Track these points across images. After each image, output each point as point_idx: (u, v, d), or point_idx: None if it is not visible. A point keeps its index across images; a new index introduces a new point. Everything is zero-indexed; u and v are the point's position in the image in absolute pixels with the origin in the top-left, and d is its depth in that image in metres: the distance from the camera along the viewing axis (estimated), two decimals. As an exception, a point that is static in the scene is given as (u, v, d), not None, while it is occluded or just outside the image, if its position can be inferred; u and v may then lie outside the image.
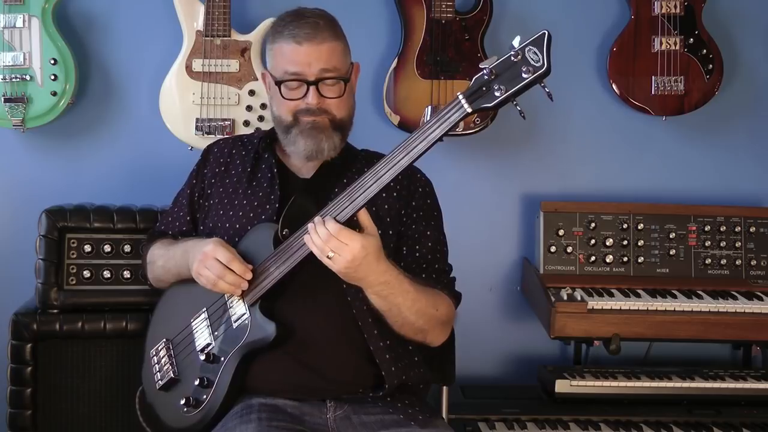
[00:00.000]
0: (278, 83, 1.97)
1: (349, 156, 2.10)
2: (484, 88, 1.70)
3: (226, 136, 2.37)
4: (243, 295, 1.91)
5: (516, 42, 1.69)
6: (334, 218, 1.77)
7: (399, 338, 1.96)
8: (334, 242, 1.74)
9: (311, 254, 1.80)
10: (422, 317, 1.92)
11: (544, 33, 1.68)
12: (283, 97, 1.97)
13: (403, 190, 2.07)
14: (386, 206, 2.03)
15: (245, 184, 2.08)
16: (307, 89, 1.95)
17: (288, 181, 2.06)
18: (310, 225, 1.78)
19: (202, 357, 1.93)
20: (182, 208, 2.18)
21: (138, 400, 2.11)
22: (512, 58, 1.69)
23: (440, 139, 1.76)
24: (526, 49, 1.69)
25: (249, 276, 1.88)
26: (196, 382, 1.92)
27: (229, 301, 1.94)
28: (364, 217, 1.79)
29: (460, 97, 1.72)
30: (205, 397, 1.92)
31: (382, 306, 1.88)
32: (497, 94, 1.70)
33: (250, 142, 2.18)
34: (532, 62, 1.68)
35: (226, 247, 1.89)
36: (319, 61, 1.94)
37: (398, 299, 1.86)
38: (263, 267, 1.90)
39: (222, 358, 1.92)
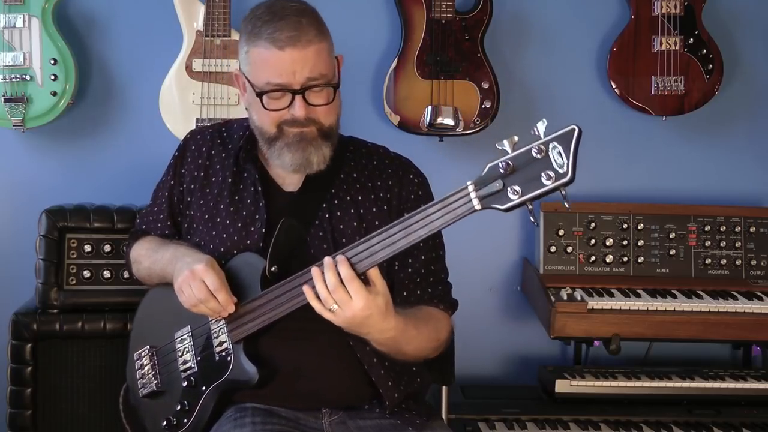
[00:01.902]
0: (260, 94, 1.78)
1: (335, 159, 1.89)
2: (497, 184, 1.53)
3: (203, 126, 2.15)
4: (228, 324, 1.82)
5: (541, 128, 1.51)
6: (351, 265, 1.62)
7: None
8: (341, 293, 1.60)
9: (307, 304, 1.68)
10: (423, 351, 1.85)
11: (574, 129, 1.49)
12: (265, 108, 1.79)
13: (394, 200, 1.93)
14: (377, 223, 1.87)
15: (227, 198, 1.92)
16: (293, 99, 1.76)
17: (273, 197, 1.91)
18: (314, 270, 1.63)
19: (185, 382, 1.88)
20: (162, 210, 2.04)
21: (122, 399, 2.08)
22: (534, 152, 1.50)
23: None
24: (551, 145, 1.49)
25: (231, 309, 1.78)
26: (178, 407, 1.88)
27: (214, 329, 1.85)
28: (374, 273, 1.64)
29: (470, 189, 1.55)
30: (186, 421, 1.87)
31: (383, 350, 1.79)
32: (512, 196, 1.51)
33: (230, 137, 2.00)
34: (555, 165, 1.48)
35: (217, 271, 1.76)
36: (305, 67, 1.75)
37: (401, 347, 1.78)
38: (250, 306, 1.79)
39: (203, 387, 1.86)
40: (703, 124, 3.07)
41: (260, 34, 1.76)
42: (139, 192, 2.71)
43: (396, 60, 2.89)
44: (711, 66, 2.92)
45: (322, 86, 1.78)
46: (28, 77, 2.77)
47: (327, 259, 1.63)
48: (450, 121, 2.85)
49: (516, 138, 1.54)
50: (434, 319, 1.88)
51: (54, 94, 2.78)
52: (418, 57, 2.87)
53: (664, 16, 2.90)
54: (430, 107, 2.85)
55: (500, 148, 1.54)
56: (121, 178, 2.94)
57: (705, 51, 2.92)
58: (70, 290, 2.58)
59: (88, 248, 2.59)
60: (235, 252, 1.86)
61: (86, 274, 2.59)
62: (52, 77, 2.77)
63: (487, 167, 1.55)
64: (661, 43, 2.90)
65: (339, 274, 1.61)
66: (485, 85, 2.87)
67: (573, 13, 3.08)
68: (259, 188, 1.91)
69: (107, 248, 2.60)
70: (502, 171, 1.53)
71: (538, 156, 1.50)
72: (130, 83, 2.99)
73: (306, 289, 1.65)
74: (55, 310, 2.56)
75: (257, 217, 1.89)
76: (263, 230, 1.87)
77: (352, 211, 1.90)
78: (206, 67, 2.81)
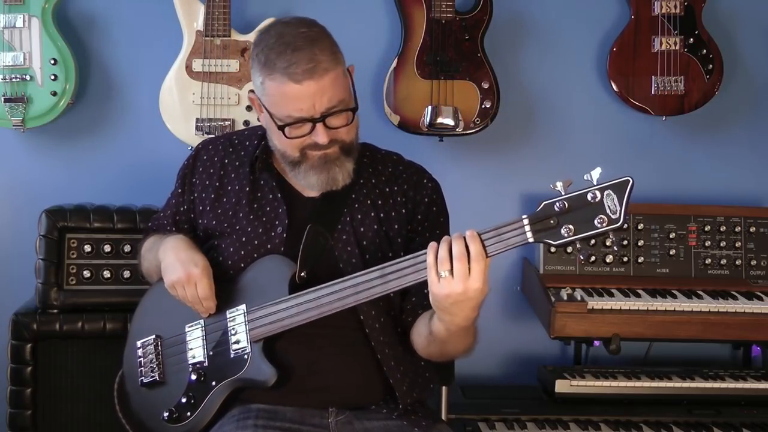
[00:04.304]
0: (281, 127, 1.80)
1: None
2: (551, 221, 1.61)
3: (214, 136, 2.17)
4: (249, 323, 1.84)
5: (596, 175, 1.62)
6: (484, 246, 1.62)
7: (413, 361, 1.93)
8: (463, 266, 1.60)
9: (342, 310, 1.75)
10: (466, 351, 1.88)
11: (628, 181, 1.62)
12: (287, 137, 1.81)
13: (409, 203, 1.97)
14: (396, 226, 1.94)
15: (246, 206, 1.93)
16: (313, 126, 1.78)
17: (293, 203, 1.93)
18: (455, 235, 1.63)
19: (193, 375, 1.88)
20: (167, 215, 2.07)
21: (117, 385, 2.07)
22: (589, 196, 1.60)
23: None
24: (606, 192, 1.60)
25: (213, 312, 1.86)
26: (183, 399, 1.88)
27: (231, 326, 1.86)
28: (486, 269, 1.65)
29: (525, 222, 1.62)
30: (189, 414, 1.88)
31: (441, 335, 1.77)
32: (564, 233, 1.61)
33: (242, 145, 2.02)
34: (608, 211, 1.60)
35: (210, 280, 1.82)
36: (323, 97, 1.77)
37: (459, 339, 1.80)
38: (275, 308, 1.81)
39: (213, 383, 1.86)
40: (703, 124, 3.07)
41: (275, 66, 1.77)
42: (139, 192, 2.72)
43: (396, 60, 2.89)
44: (711, 66, 2.92)
45: (341, 111, 1.81)
46: (28, 77, 2.77)
47: (468, 232, 1.63)
48: (450, 121, 2.85)
49: (570, 180, 1.64)
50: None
51: (54, 94, 2.78)
52: (418, 57, 2.87)
53: (664, 16, 2.90)
54: (430, 107, 2.85)
55: (554, 188, 1.63)
56: (121, 178, 2.94)
57: (705, 51, 2.92)
58: (70, 290, 2.58)
59: (88, 248, 2.59)
60: (255, 255, 1.89)
61: (86, 274, 2.59)
62: (52, 77, 2.77)
63: (543, 204, 1.63)
64: (661, 43, 2.90)
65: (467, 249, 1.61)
66: (485, 85, 2.87)
67: (573, 13, 3.08)
68: (278, 194, 1.93)
69: (107, 248, 2.60)
70: (557, 209, 1.62)
71: (593, 201, 1.61)
72: (130, 83, 2.99)
73: (431, 246, 1.64)
74: (55, 310, 2.56)
75: (277, 222, 1.91)
76: (284, 235, 1.89)
77: (373, 214, 1.93)
78: (206, 67, 2.81)
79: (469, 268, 1.60)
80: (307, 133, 1.80)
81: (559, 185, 1.63)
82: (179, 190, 2.05)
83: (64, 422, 2.56)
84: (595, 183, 1.62)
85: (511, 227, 1.63)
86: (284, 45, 1.77)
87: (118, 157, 2.99)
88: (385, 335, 1.89)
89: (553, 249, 2.85)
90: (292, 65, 1.75)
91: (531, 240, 1.62)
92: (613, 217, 1.59)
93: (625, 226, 2.89)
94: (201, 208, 1.99)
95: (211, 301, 1.84)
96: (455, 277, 1.60)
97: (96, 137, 2.99)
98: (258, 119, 1.95)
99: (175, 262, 1.85)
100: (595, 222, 1.60)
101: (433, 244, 1.64)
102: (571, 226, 1.61)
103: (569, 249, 2.86)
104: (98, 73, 2.98)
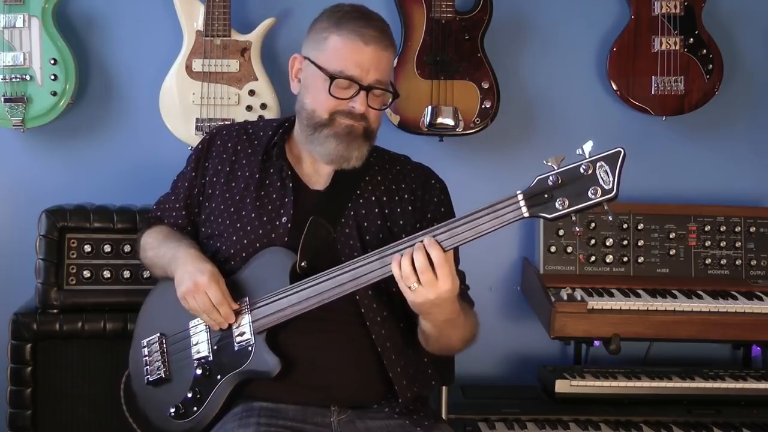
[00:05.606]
0: (332, 78, 1.86)
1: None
2: (546, 195, 1.64)
3: (229, 123, 2.18)
4: (251, 313, 1.86)
5: (588, 148, 1.64)
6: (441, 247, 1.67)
7: (413, 357, 1.94)
8: (429, 275, 1.66)
9: (341, 297, 1.78)
10: (463, 341, 1.93)
11: (620, 151, 1.63)
12: (330, 93, 1.87)
13: (417, 202, 2.01)
14: (401, 222, 1.97)
15: (254, 192, 1.97)
16: (357, 93, 1.86)
17: (300, 194, 1.96)
18: (416, 246, 1.68)
19: (198, 370, 1.89)
20: (179, 199, 2.08)
21: (124, 385, 2.08)
22: (581, 169, 1.63)
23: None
24: (598, 164, 1.62)
25: (232, 320, 1.85)
26: (189, 394, 1.90)
27: (234, 318, 1.88)
28: (451, 260, 1.69)
29: (520, 197, 1.66)
30: (195, 409, 1.89)
31: (431, 331, 1.83)
32: (558, 206, 1.64)
33: (256, 135, 2.06)
34: (601, 182, 1.62)
35: (219, 284, 1.84)
36: (378, 68, 1.87)
37: (451, 332, 1.85)
38: (276, 298, 1.84)
39: (218, 376, 1.88)
40: (703, 124, 3.07)
41: (347, 25, 1.87)
42: (139, 192, 2.72)
43: (396, 60, 2.88)
44: (711, 66, 2.92)
45: (383, 90, 1.91)
46: (28, 77, 2.77)
47: (426, 240, 1.68)
48: (450, 121, 2.85)
49: (563, 156, 1.66)
50: (471, 313, 1.95)
51: (54, 94, 2.78)
52: (418, 57, 2.87)
53: (664, 16, 2.90)
54: (430, 107, 2.85)
55: (547, 164, 1.65)
56: (121, 178, 2.94)
57: (705, 51, 2.92)
58: (70, 290, 2.58)
59: (88, 248, 2.59)
60: (258, 245, 1.92)
61: (86, 274, 2.59)
62: (52, 77, 2.77)
63: (536, 179, 1.66)
64: (661, 43, 2.90)
65: (429, 256, 1.67)
66: (485, 85, 2.87)
67: (573, 13, 3.08)
68: (290, 184, 1.96)
69: (107, 248, 2.60)
70: (550, 183, 1.64)
71: (585, 173, 1.63)
72: (130, 83, 2.99)
73: (395, 259, 1.70)
74: (55, 310, 2.56)
75: (283, 211, 1.94)
76: (289, 225, 1.92)
77: (377, 210, 1.96)
78: (206, 67, 2.81)
79: (435, 275, 1.66)
80: (349, 98, 1.87)
81: (552, 161, 1.65)
82: (192, 174, 2.07)
83: (63, 422, 2.56)
84: (587, 156, 1.64)
85: (505, 203, 1.67)
86: (361, 13, 1.91)
87: (118, 157, 2.99)
88: (386, 329, 1.90)
89: (553, 249, 2.85)
90: (366, 27, 1.87)
91: (526, 215, 1.66)
92: (606, 187, 1.62)
93: (625, 226, 2.89)
94: (210, 191, 2.02)
95: (225, 306, 1.84)
96: (424, 286, 1.66)
97: (96, 137, 2.99)
98: (298, 90, 1.98)
99: (183, 275, 1.87)
100: (589, 193, 1.63)
101: (396, 257, 1.70)
102: (565, 199, 1.64)
103: (569, 249, 2.86)
104: (98, 73, 2.98)
